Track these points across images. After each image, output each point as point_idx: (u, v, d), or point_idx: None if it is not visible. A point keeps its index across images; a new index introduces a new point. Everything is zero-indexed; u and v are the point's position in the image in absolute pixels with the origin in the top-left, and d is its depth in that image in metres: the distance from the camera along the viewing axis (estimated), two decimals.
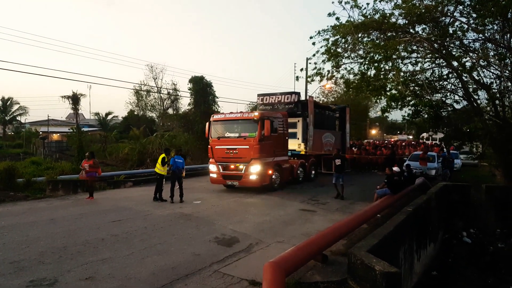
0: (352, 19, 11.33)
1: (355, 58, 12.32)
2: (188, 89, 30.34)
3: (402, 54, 11.85)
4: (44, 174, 16.32)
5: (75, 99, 33.22)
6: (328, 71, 12.34)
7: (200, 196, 12.51)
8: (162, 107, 40.25)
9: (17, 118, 55.15)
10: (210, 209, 10.30)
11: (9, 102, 51.89)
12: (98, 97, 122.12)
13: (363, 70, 12.12)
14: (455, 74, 11.83)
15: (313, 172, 17.13)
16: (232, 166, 13.26)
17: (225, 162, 13.37)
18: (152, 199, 11.47)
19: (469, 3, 11.02)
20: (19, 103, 52.64)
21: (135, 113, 44.26)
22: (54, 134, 52.99)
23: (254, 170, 12.83)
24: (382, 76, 11.91)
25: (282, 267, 4.40)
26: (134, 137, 30.87)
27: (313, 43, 12.12)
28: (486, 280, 8.58)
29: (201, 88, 29.40)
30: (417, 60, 12.25)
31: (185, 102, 57.32)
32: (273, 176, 13.64)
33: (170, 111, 39.47)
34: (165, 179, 11.78)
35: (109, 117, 52.28)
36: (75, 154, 23.98)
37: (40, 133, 52.51)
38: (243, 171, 12.96)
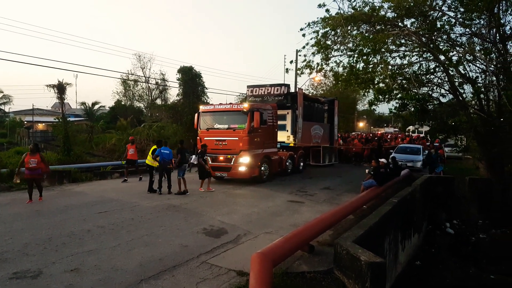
0: (342, 11, 11.35)
1: (344, 51, 12.35)
2: (177, 80, 30.01)
3: (391, 47, 11.90)
4: None
5: (60, 88, 32.45)
6: (318, 63, 12.35)
7: (188, 187, 12.44)
8: (150, 98, 39.85)
9: (1, 107, 53.86)
10: (199, 201, 10.30)
11: None
12: (84, 87, 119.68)
13: (352, 63, 12.16)
14: (441, 68, 11.95)
15: (301, 164, 17.24)
16: (221, 158, 13.24)
17: (214, 153, 13.33)
18: (146, 191, 11.40)
19: None
20: (2, 92, 51.33)
21: (123, 103, 43.75)
22: (39, 124, 51.87)
23: (243, 162, 12.84)
24: (370, 69, 11.97)
25: (269, 257, 4.43)
26: (122, 127, 30.47)
27: (303, 35, 12.10)
28: (468, 269, 8.80)
29: (190, 79, 29.07)
30: (405, 53, 12.33)
31: (173, 93, 56.72)
32: (262, 168, 13.68)
33: (158, 101, 39.15)
34: (155, 170, 11.73)
35: (96, 107, 51.30)
36: (61, 144, 23.67)
37: (25, 122, 51.36)
38: (232, 163, 12.96)
